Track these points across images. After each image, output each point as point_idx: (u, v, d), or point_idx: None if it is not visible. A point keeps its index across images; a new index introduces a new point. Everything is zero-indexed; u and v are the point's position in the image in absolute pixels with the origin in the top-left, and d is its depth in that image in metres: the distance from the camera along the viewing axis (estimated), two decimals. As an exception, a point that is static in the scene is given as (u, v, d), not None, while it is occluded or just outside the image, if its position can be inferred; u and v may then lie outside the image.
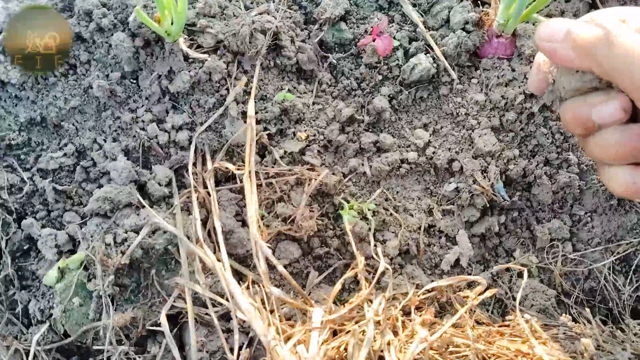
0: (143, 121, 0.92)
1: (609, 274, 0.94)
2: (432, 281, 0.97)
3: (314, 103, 1.01)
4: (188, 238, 0.88)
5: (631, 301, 0.96)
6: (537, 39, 0.59)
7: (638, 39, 0.51)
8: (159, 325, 0.87)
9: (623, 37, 0.51)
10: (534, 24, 0.97)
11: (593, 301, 0.96)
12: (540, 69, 0.61)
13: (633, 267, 0.95)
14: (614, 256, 0.94)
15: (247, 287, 0.86)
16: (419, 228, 0.98)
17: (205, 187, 0.93)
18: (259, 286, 0.87)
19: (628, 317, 0.94)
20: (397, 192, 1.00)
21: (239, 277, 0.96)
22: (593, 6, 1.07)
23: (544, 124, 0.98)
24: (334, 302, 0.98)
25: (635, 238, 0.94)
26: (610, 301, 0.95)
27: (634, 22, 0.60)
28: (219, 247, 0.94)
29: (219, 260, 0.88)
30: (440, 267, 0.97)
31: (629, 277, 0.95)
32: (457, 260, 0.97)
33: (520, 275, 0.95)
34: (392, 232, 0.98)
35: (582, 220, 0.97)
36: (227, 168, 0.90)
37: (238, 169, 0.90)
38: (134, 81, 0.92)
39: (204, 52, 0.93)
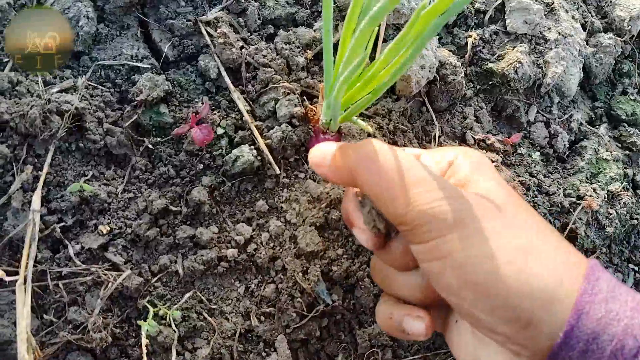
0: None
1: (426, 384, 0.92)
2: (245, 394, 0.89)
3: (124, 190, 0.91)
4: (-61, 357, 0.72)
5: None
6: (310, 163, 0.61)
7: (390, 158, 0.55)
8: None
9: (381, 156, 0.56)
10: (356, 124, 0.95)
11: (409, 412, 0.93)
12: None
13: (449, 376, 0.93)
14: (431, 364, 0.92)
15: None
16: (235, 334, 0.90)
17: (-25, 290, 0.78)
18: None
19: None
20: (214, 293, 0.92)
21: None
22: (424, 104, 1.09)
23: (368, 224, 0.96)
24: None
25: (451, 346, 0.93)
26: (425, 412, 0.92)
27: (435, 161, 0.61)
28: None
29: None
30: (256, 376, 0.89)
31: (445, 386, 0.93)
32: (275, 369, 0.90)
33: (338, 385, 0.90)
34: (205, 339, 0.89)
35: (402, 326, 0.95)
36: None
37: (14, 273, 0.77)
38: None
39: (-15, 133, 0.80)
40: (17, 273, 0.81)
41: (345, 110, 0.86)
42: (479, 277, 0.51)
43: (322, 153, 0.61)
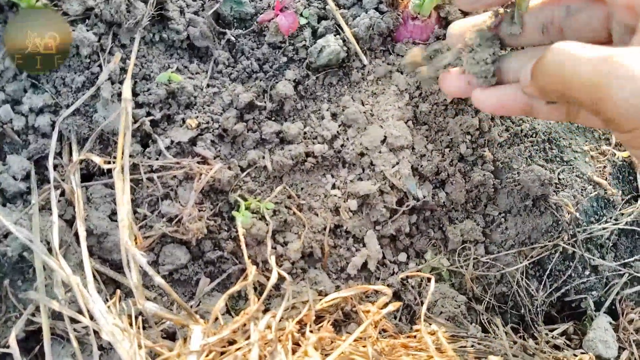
0: (-8, 102, 0.76)
1: (522, 279, 0.89)
2: (337, 287, 0.89)
3: (208, 85, 0.88)
4: (48, 244, 0.74)
5: (544, 307, 0.91)
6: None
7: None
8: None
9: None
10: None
11: (505, 307, 0.91)
12: None
13: (547, 271, 0.90)
14: (527, 260, 0.89)
15: (119, 301, 0.74)
16: (324, 228, 0.88)
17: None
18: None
19: (540, 324, 0.89)
20: (302, 189, 0.90)
21: (117, 285, 0.83)
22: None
23: (459, 117, 0.91)
24: (229, 313, 0.88)
25: (549, 241, 0.89)
26: (523, 307, 0.90)
27: None
28: (90, 252, 0.81)
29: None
30: (347, 271, 0.88)
31: (543, 282, 0.90)
32: (365, 264, 0.89)
33: (430, 279, 0.88)
34: (295, 234, 0.88)
35: (496, 221, 0.92)
36: (97, 160, 0.76)
37: (109, 162, 0.76)
38: (-20, 52, 0.76)
39: (70, 21, 0.77)
40: (109, 163, 0.81)
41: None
42: None
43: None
